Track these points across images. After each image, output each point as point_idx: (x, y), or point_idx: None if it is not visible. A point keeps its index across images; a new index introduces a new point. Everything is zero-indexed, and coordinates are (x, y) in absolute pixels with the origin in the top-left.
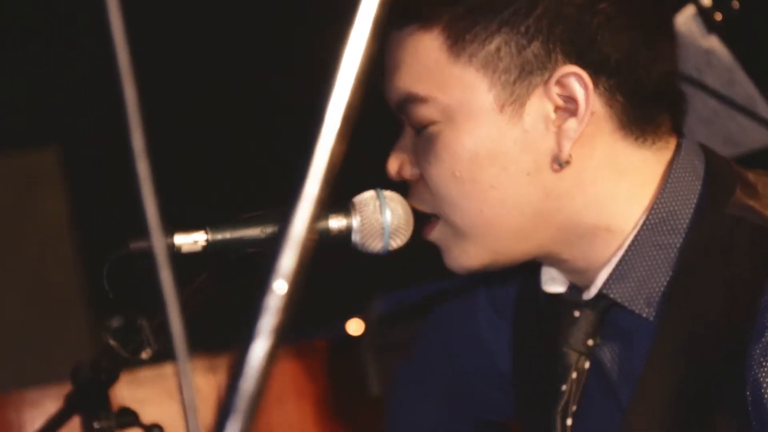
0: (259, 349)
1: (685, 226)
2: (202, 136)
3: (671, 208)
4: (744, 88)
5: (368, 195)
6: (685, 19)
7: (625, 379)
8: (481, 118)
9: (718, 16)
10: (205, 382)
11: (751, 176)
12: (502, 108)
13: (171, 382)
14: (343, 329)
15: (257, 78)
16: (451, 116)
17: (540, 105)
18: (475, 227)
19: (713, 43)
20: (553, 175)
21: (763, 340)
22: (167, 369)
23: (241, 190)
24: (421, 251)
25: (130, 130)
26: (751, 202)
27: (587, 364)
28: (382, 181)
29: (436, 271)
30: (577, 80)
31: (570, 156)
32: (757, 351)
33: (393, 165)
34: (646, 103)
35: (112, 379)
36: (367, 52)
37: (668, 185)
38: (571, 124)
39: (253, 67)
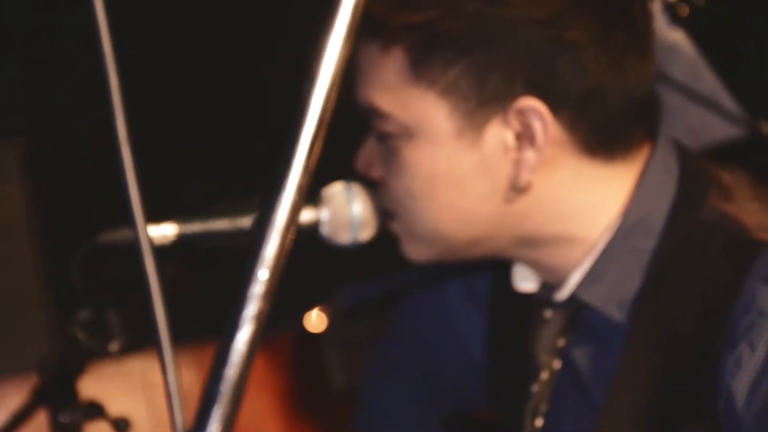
0: (242, 336)
1: (659, 229)
2: (193, 133)
3: (645, 212)
4: (708, 82)
5: (337, 187)
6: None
7: (597, 379)
8: (440, 142)
9: (684, 11)
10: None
11: (726, 178)
12: (460, 133)
13: (135, 378)
14: (305, 323)
15: (247, 76)
16: (411, 135)
17: (499, 132)
18: (429, 237)
19: (678, 37)
20: (510, 198)
21: (736, 350)
22: (131, 364)
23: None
24: (386, 244)
25: (113, 120)
26: (726, 207)
27: (558, 364)
28: (349, 175)
29: (402, 264)
30: (534, 113)
31: (529, 182)
32: (731, 361)
33: (361, 161)
34: (614, 125)
35: (79, 371)
36: (343, 54)
37: (641, 189)
38: (529, 154)
39: (244, 65)
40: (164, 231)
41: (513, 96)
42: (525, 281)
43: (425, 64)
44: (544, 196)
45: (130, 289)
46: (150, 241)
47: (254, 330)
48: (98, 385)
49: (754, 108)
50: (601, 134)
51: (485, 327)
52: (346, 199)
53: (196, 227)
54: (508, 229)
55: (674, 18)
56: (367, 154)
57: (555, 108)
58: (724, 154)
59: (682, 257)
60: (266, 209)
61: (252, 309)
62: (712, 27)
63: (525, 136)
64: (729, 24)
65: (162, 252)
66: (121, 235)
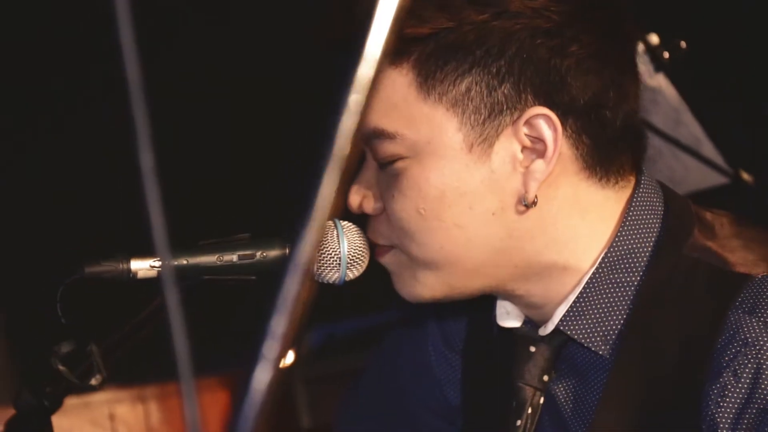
0: (264, 373)
1: (643, 264)
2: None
3: (630, 247)
4: (690, 128)
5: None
6: None
7: (578, 415)
8: (449, 157)
9: (666, 55)
10: (132, 411)
11: (708, 216)
12: (470, 148)
13: (96, 412)
14: None
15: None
16: (419, 153)
17: (508, 145)
18: (434, 262)
19: (660, 81)
20: (517, 215)
21: (720, 380)
22: (95, 397)
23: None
24: (368, 284)
25: (139, 148)
26: (709, 243)
27: (542, 400)
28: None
29: (377, 303)
30: (545, 122)
31: (536, 197)
32: (714, 391)
33: (355, 198)
34: (611, 143)
35: (57, 405)
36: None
37: (627, 223)
38: (539, 165)
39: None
40: (151, 264)
41: (523, 106)
42: (508, 317)
43: (434, 77)
44: (547, 216)
45: (110, 322)
46: (172, 274)
47: (276, 366)
48: (65, 417)
49: (734, 156)
50: (599, 152)
51: (462, 370)
52: (335, 237)
53: (183, 261)
54: (510, 254)
55: (656, 62)
56: (362, 188)
57: (562, 119)
58: (704, 200)
59: (666, 292)
60: (290, 245)
61: (273, 346)
62: (695, 72)
63: (533, 149)
64: (712, 70)
65: (150, 284)
66: (105, 267)
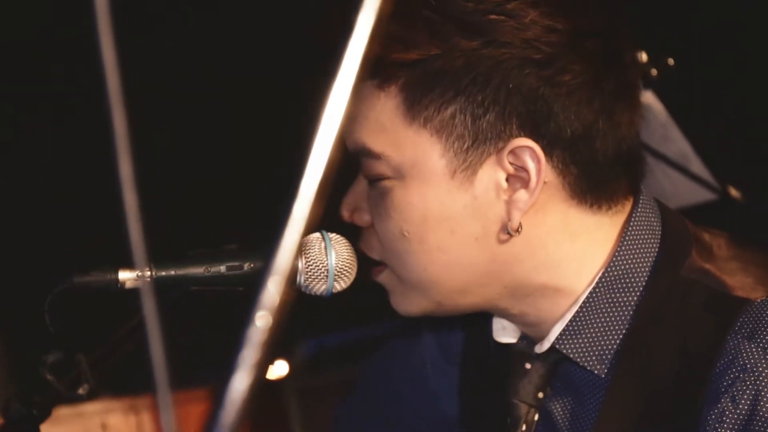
0: (240, 381)
1: (641, 285)
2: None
3: (627, 267)
4: (678, 144)
5: (313, 236)
6: None
7: (574, 430)
8: (432, 182)
9: (654, 72)
10: (124, 422)
11: (706, 237)
12: (453, 174)
13: (88, 421)
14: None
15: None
16: (404, 175)
17: (492, 173)
18: (419, 282)
19: (648, 98)
20: (501, 241)
21: (719, 405)
22: (87, 407)
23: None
24: (360, 295)
25: (118, 158)
26: (707, 266)
27: (536, 416)
28: (327, 223)
29: (369, 315)
30: (529, 154)
31: (520, 225)
32: (713, 416)
33: (346, 210)
34: (603, 171)
35: (45, 414)
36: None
37: (624, 244)
38: (522, 195)
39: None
40: (138, 274)
41: (507, 136)
42: (504, 333)
43: (420, 103)
44: (534, 241)
45: (99, 332)
46: (151, 285)
47: (253, 375)
48: (57, 427)
49: (723, 172)
50: (589, 180)
51: (458, 383)
52: (323, 249)
53: (171, 272)
54: (498, 276)
55: (645, 79)
56: (354, 200)
57: (548, 150)
58: (693, 216)
59: (664, 312)
60: (268, 251)
61: (250, 356)
62: (682, 89)
63: (518, 178)
64: (699, 86)
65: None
66: (93, 277)
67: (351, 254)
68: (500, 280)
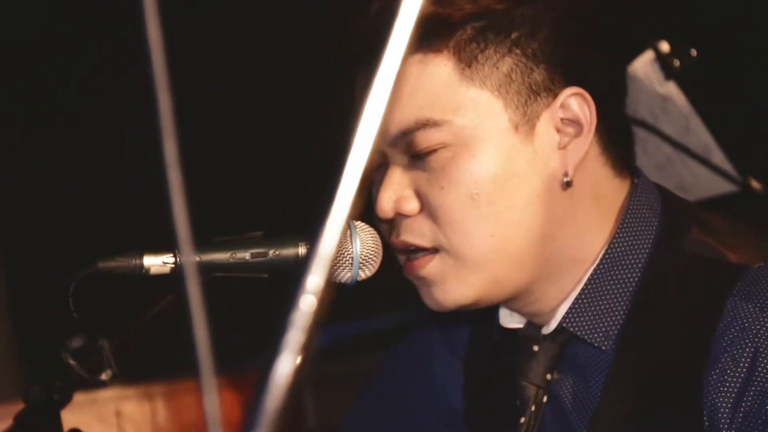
0: (284, 365)
1: (643, 260)
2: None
3: (629, 244)
4: (699, 135)
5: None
6: (643, 65)
7: (579, 411)
8: (497, 139)
9: (676, 63)
10: (139, 409)
11: (706, 215)
12: (516, 128)
13: (104, 408)
14: None
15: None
16: (466, 139)
17: (547, 126)
18: (483, 253)
19: (671, 89)
20: (556, 197)
21: (719, 365)
22: (101, 394)
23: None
24: (377, 285)
25: (162, 139)
26: (707, 239)
27: (545, 398)
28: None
29: (385, 305)
30: (581, 100)
31: (571, 180)
32: (714, 376)
33: (387, 202)
34: (619, 132)
35: (66, 399)
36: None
37: (626, 220)
38: (576, 144)
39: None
40: (163, 260)
41: (559, 86)
42: (511, 320)
43: (477, 61)
44: (576, 201)
45: (121, 318)
46: (195, 269)
47: (297, 359)
48: (72, 413)
49: (744, 164)
50: (611, 136)
51: (464, 376)
52: (348, 236)
53: (196, 258)
54: (546, 245)
55: (667, 70)
56: (394, 191)
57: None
58: (714, 208)
59: (666, 286)
60: (312, 238)
61: (294, 340)
62: (705, 80)
63: (571, 127)
64: (722, 77)
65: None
66: (118, 263)
67: (376, 242)
68: (546, 249)
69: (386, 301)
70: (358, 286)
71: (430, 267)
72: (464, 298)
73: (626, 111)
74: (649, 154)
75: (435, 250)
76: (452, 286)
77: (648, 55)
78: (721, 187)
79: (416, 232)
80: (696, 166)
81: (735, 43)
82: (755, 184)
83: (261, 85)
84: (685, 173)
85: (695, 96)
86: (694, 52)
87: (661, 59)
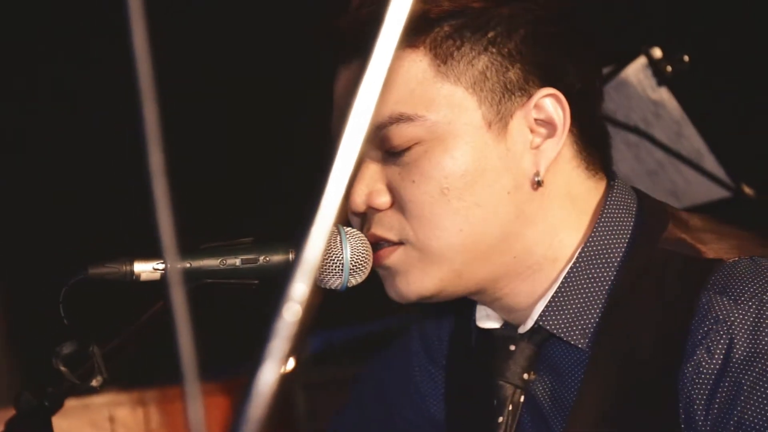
0: (268, 373)
1: (619, 258)
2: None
3: (605, 243)
4: (692, 141)
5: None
6: (636, 70)
7: (557, 410)
8: (470, 135)
9: (669, 69)
10: (132, 414)
11: (683, 214)
12: (489, 125)
13: (97, 414)
14: None
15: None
16: (439, 134)
17: (520, 125)
18: (449, 247)
19: (663, 95)
20: (526, 196)
21: (694, 358)
22: (94, 400)
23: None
24: (368, 290)
25: (148, 148)
26: (683, 235)
27: (522, 398)
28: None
29: (376, 311)
30: (555, 102)
31: (542, 179)
32: (690, 369)
33: (359, 195)
34: (593, 134)
35: (57, 406)
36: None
37: (602, 220)
38: (548, 144)
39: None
40: (154, 266)
41: (534, 87)
42: (488, 320)
43: (452, 58)
44: (547, 201)
45: (112, 324)
46: (180, 275)
47: (281, 367)
48: (65, 419)
49: (736, 169)
50: (585, 138)
51: (444, 385)
52: (338, 242)
53: (186, 264)
54: (514, 242)
55: (659, 75)
56: (367, 185)
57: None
58: (706, 213)
59: (641, 283)
60: (298, 244)
61: (279, 348)
62: (697, 86)
63: (544, 128)
64: (714, 83)
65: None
66: (108, 269)
67: (366, 248)
68: (514, 246)
69: (378, 307)
70: (351, 291)
71: (394, 257)
72: (425, 290)
73: (602, 113)
74: (642, 159)
75: (400, 243)
76: (415, 277)
77: (640, 61)
78: (713, 192)
79: (386, 226)
80: (688, 172)
81: (727, 48)
82: (747, 190)
83: (260, 85)
84: (677, 179)
85: (687, 102)
86: (686, 58)
87: (654, 65)
